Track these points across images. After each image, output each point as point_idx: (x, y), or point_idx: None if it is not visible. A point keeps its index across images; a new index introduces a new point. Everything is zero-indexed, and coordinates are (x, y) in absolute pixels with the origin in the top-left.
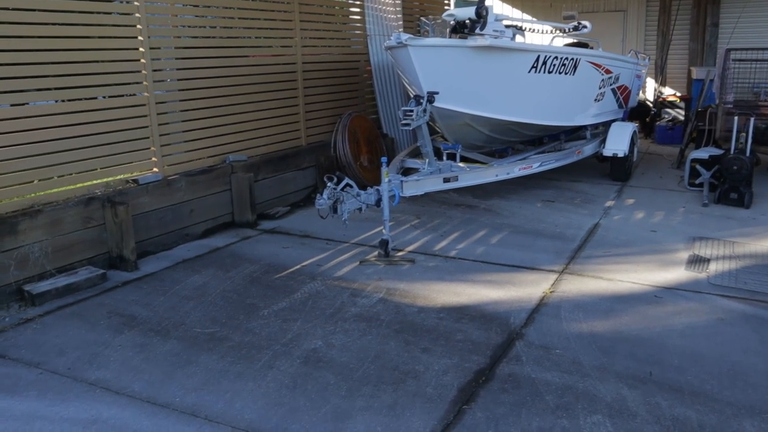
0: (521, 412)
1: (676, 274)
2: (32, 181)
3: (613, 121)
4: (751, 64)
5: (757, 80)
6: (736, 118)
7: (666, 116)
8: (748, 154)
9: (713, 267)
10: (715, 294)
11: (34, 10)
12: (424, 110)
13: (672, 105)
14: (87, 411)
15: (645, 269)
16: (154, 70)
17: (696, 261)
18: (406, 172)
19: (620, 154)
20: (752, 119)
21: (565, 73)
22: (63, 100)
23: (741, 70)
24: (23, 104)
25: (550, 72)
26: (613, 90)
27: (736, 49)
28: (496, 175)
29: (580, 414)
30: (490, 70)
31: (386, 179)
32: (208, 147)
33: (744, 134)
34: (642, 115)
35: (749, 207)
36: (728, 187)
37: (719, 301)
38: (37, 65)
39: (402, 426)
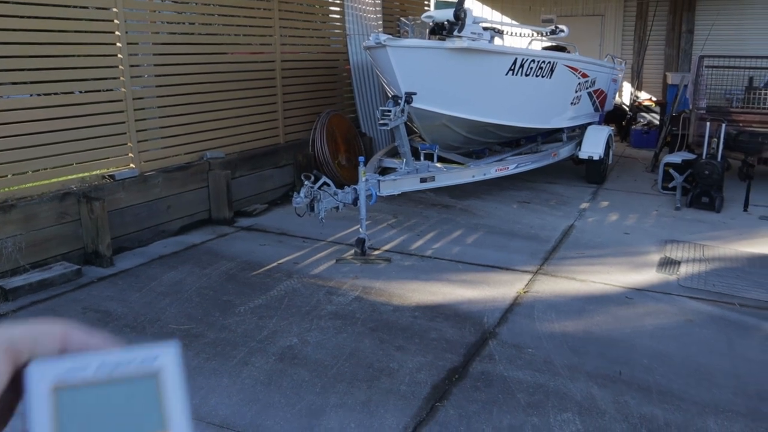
0: (493, 410)
1: (648, 275)
2: (6, 176)
3: (590, 124)
4: (724, 71)
5: (729, 87)
6: (708, 123)
7: (641, 120)
8: (719, 159)
9: (683, 269)
10: (684, 296)
11: (8, 2)
12: (402, 110)
13: (647, 109)
14: None
15: (617, 271)
16: (132, 66)
17: (667, 263)
18: (384, 171)
19: (596, 157)
20: (724, 125)
21: (542, 77)
22: (38, 94)
23: (714, 76)
24: None
25: (527, 75)
26: (589, 93)
27: (710, 56)
28: (473, 176)
29: (551, 412)
30: (468, 71)
31: (363, 178)
32: (186, 143)
33: (716, 140)
34: (618, 118)
35: (720, 211)
36: (700, 191)
37: (688, 303)
38: (12, 58)
39: (375, 422)
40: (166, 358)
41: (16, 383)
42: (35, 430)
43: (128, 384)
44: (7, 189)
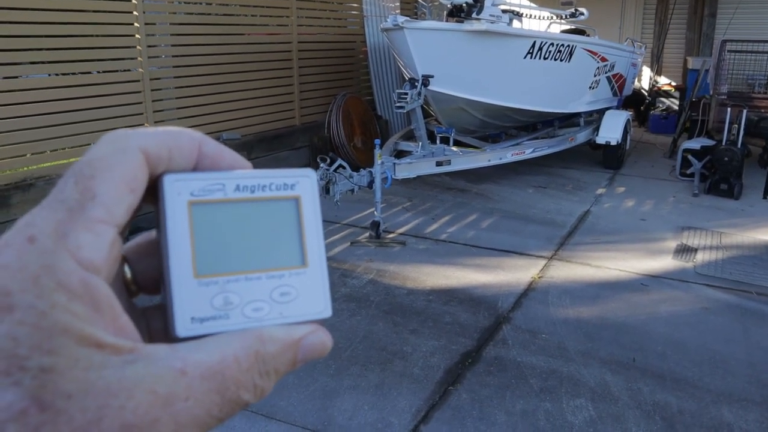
0: (506, 394)
1: (664, 262)
2: (25, 155)
3: (608, 109)
4: (746, 56)
5: (751, 72)
6: (728, 109)
7: (660, 105)
8: (739, 145)
9: (700, 257)
10: (700, 283)
11: None
12: (419, 93)
13: (667, 94)
14: None
15: (633, 257)
16: (149, 46)
17: (683, 250)
18: (400, 154)
19: (613, 142)
20: (745, 111)
21: (561, 60)
22: (57, 74)
23: (736, 61)
24: (16, 77)
25: (545, 58)
26: (608, 78)
27: (732, 41)
28: (489, 160)
29: (564, 397)
30: (486, 54)
31: (379, 161)
32: (202, 124)
33: (736, 126)
34: (636, 103)
35: (738, 198)
36: (719, 177)
37: (704, 291)
38: (31, 38)
39: (388, 405)
40: (304, 185)
41: (148, 193)
42: (172, 242)
43: (266, 208)
44: (26, 168)
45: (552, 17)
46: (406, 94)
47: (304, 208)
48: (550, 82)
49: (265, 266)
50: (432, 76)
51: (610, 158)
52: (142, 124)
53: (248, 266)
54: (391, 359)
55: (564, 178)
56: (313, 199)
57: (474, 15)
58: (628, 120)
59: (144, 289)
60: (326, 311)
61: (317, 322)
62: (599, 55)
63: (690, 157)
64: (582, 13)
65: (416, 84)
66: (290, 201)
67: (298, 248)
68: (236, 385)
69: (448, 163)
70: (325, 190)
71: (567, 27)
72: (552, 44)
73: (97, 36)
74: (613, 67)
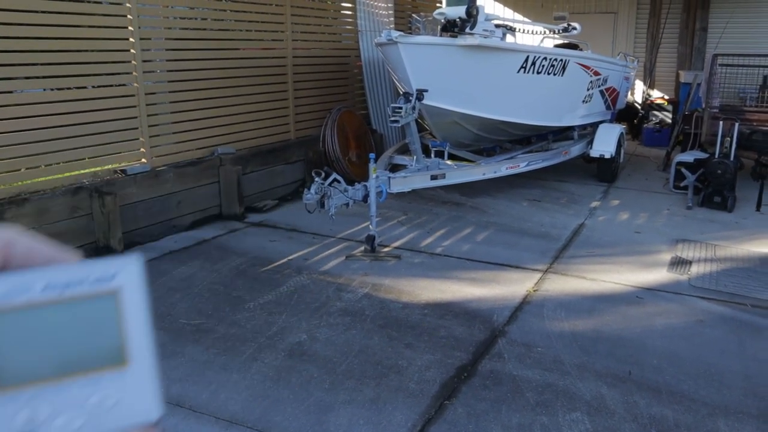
0: (502, 408)
1: (658, 275)
2: (19, 170)
3: (601, 122)
4: (738, 70)
5: (743, 85)
6: (721, 122)
7: (653, 119)
8: (732, 158)
9: (695, 269)
10: (695, 296)
11: None
12: (413, 107)
13: (660, 108)
14: None
15: (628, 270)
16: (144, 61)
17: (678, 263)
18: (394, 168)
19: (607, 156)
20: (737, 124)
21: (554, 74)
22: (52, 89)
23: (728, 75)
24: (10, 92)
25: (539, 72)
26: (601, 92)
27: (723, 55)
28: (484, 174)
29: (560, 411)
30: (480, 69)
31: (374, 175)
32: (197, 139)
33: (729, 139)
34: (630, 117)
35: (732, 211)
36: (712, 190)
37: (699, 303)
38: (26, 53)
39: (384, 420)
40: (127, 275)
41: None
42: None
43: (78, 307)
44: (20, 183)
45: (545, 32)
46: (401, 108)
47: (125, 301)
48: (543, 96)
49: (77, 370)
50: (426, 91)
51: (604, 171)
52: (137, 139)
53: (57, 373)
54: (386, 373)
55: (558, 191)
56: (136, 288)
57: (467, 30)
58: (622, 133)
59: None
60: (153, 413)
61: (147, 426)
62: (592, 69)
63: (683, 170)
64: (575, 28)
65: (410, 98)
66: (107, 297)
67: (116, 347)
68: None
69: (443, 176)
70: (320, 203)
71: (560, 41)
72: (545, 58)
73: (92, 51)
74: (606, 80)
